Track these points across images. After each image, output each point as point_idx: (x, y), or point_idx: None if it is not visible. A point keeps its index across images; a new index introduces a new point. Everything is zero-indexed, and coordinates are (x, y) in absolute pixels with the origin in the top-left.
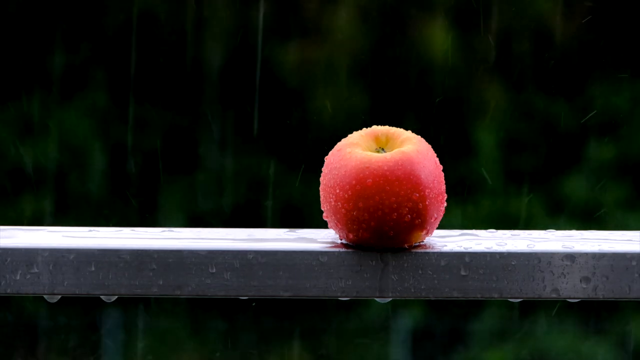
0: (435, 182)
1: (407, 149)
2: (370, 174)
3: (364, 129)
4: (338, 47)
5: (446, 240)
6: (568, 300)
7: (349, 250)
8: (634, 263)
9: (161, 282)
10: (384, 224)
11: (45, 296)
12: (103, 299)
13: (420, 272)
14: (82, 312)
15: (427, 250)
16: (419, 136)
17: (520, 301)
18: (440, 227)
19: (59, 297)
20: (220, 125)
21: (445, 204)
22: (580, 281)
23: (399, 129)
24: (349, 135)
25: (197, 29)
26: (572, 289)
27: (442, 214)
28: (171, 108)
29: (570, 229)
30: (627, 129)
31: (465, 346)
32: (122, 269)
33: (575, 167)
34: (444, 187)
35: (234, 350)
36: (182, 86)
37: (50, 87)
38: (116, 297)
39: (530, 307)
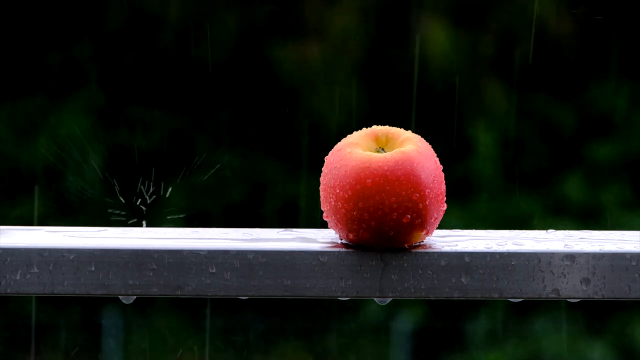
0: (435, 182)
1: (407, 148)
2: (370, 174)
3: (364, 129)
4: (338, 47)
5: (446, 240)
6: (568, 300)
7: (349, 250)
8: (634, 263)
9: (161, 282)
10: (384, 224)
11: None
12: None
13: (420, 272)
14: (82, 312)
15: (427, 250)
16: (419, 136)
17: (520, 301)
18: (440, 227)
19: (134, 297)
20: (219, 125)
21: (445, 204)
22: (580, 281)
23: (399, 129)
24: (349, 135)
25: (197, 28)
26: (572, 289)
27: (442, 214)
28: (171, 107)
29: (570, 229)
30: (626, 129)
31: (465, 346)
32: (122, 269)
33: (575, 167)
34: (444, 187)
35: (233, 350)
36: (182, 85)
37: (47, 85)
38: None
39: (530, 307)
